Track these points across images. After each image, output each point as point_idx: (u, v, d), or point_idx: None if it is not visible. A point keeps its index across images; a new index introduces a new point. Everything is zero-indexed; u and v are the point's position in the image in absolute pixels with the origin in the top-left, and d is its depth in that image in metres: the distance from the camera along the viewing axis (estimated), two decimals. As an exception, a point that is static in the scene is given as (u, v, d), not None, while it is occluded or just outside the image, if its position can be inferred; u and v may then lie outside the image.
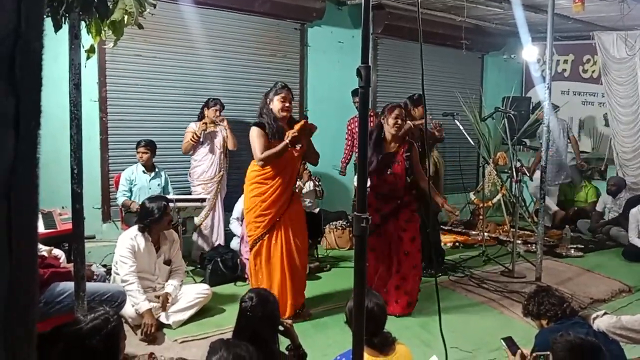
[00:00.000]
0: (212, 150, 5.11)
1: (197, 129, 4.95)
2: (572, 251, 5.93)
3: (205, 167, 5.10)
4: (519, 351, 2.74)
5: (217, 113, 5.02)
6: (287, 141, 3.57)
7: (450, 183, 7.91)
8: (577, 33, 7.30)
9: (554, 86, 5.44)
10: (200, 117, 5.08)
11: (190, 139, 4.93)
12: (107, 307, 2.14)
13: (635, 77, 6.87)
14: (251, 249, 3.85)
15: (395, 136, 4.02)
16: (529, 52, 6.25)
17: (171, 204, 4.03)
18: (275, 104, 3.73)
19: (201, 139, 4.98)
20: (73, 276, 2.40)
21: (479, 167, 7.80)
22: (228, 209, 5.39)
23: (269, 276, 3.81)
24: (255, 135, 3.69)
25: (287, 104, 3.74)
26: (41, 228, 3.83)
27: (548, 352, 2.35)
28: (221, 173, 5.17)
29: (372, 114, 5.44)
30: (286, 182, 3.75)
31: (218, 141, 5.14)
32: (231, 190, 5.51)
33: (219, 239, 5.20)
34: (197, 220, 5.05)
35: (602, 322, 2.49)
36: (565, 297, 3.05)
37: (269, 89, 3.87)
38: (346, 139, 6.05)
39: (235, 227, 5.18)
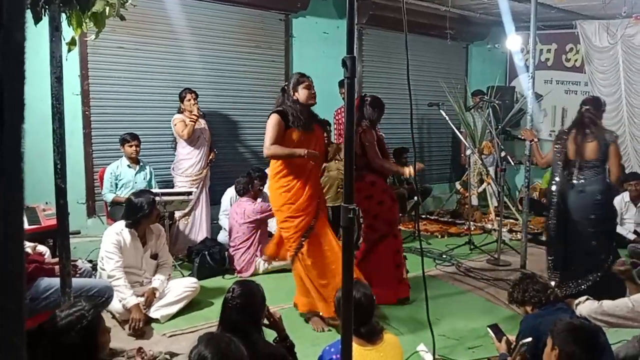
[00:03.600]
0: (199, 146, 5.07)
1: (190, 114, 4.91)
2: (556, 238, 6.02)
3: (192, 162, 5.06)
4: (505, 337, 2.79)
5: (193, 102, 4.96)
6: (304, 154, 3.45)
7: (437, 173, 7.98)
8: (560, 22, 7.36)
9: (538, 75, 5.48)
10: (180, 110, 5.04)
11: (190, 120, 4.89)
12: (89, 302, 2.12)
13: (617, 65, 6.96)
14: (297, 249, 3.62)
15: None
16: (513, 42, 6.29)
17: (157, 198, 4.00)
18: (302, 93, 3.56)
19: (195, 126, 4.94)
20: (58, 272, 2.38)
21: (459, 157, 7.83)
22: (213, 202, 5.39)
23: (324, 272, 3.59)
24: (272, 123, 3.52)
25: (313, 91, 3.62)
26: (25, 224, 3.77)
27: (530, 339, 2.40)
28: (207, 168, 5.15)
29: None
30: (309, 175, 3.63)
31: (204, 136, 5.10)
32: (217, 183, 5.50)
33: (200, 233, 5.15)
34: (178, 214, 5.02)
35: (584, 307, 2.54)
36: (548, 283, 3.10)
37: (287, 82, 3.74)
38: (335, 129, 6.05)
39: (223, 220, 5.17)
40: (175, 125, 5.00)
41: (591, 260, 3.96)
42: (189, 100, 4.96)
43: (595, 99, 4.29)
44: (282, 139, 3.51)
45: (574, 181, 4.00)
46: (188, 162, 5.06)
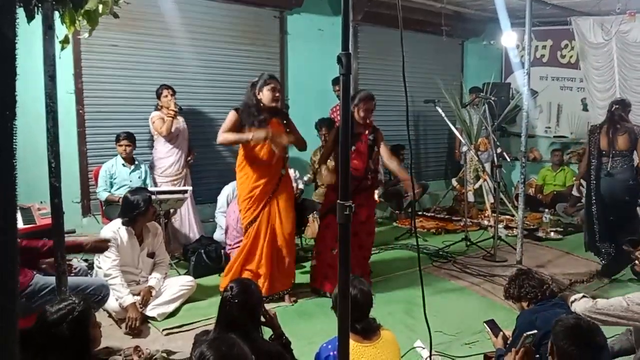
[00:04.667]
0: (179, 144, 5.01)
1: (168, 110, 4.82)
2: (552, 234, 6.05)
3: (172, 160, 4.98)
4: (501, 333, 2.80)
5: (170, 97, 4.87)
6: (249, 138, 3.75)
7: (433, 169, 8.00)
8: (555, 19, 7.37)
9: (533, 72, 5.50)
10: (157, 107, 4.96)
11: (167, 114, 4.81)
12: (78, 296, 2.16)
13: (612, 62, 6.97)
14: (245, 231, 3.99)
15: (361, 125, 4.17)
16: (508, 38, 6.29)
17: (152, 197, 3.99)
18: (266, 94, 3.84)
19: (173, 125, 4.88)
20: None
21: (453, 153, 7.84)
22: (203, 201, 5.38)
23: (258, 257, 3.95)
24: (228, 117, 3.88)
25: (277, 94, 3.87)
26: (20, 223, 3.76)
27: (535, 331, 2.40)
28: (186, 168, 5.08)
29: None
30: (268, 164, 3.89)
31: (183, 135, 5.05)
32: (208, 181, 5.49)
33: (192, 232, 5.12)
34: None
35: (579, 306, 2.54)
36: (544, 279, 3.12)
37: (256, 78, 3.94)
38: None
39: (220, 218, 5.16)
40: (153, 122, 4.91)
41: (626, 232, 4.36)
42: (166, 96, 4.88)
43: (623, 99, 4.97)
44: (232, 132, 3.84)
45: (607, 169, 4.65)
46: (167, 161, 4.97)
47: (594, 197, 4.74)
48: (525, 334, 2.38)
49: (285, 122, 4.03)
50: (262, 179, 3.89)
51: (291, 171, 5.65)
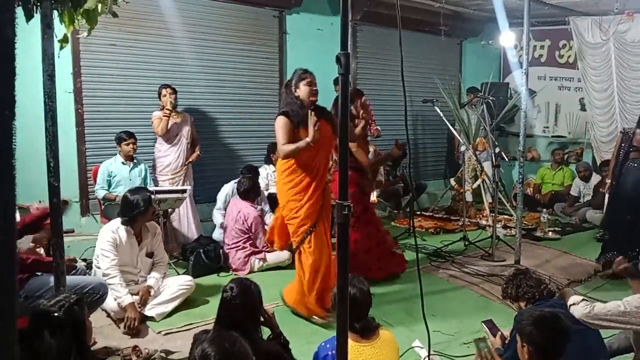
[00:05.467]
0: (177, 142, 5.00)
1: (164, 111, 4.83)
2: (550, 234, 6.06)
3: (171, 159, 4.97)
4: (499, 333, 2.81)
5: (168, 96, 4.85)
6: (310, 140, 3.44)
7: (432, 169, 8.00)
8: (553, 18, 7.38)
9: (531, 71, 5.51)
10: (161, 107, 4.95)
11: (163, 115, 4.80)
12: (70, 291, 2.23)
13: (609, 62, 6.98)
14: (299, 246, 3.69)
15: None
16: (507, 38, 6.30)
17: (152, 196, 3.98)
18: (304, 90, 3.60)
19: (169, 124, 4.87)
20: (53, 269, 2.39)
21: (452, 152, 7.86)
22: (202, 200, 5.37)
23: (315, 270, 3.66)
24: (279, 126, 3.55)
25: (315, 88, 3.63)
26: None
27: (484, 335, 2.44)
28: (186, 166, 5.08)
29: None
30: (316, 173, 3.64)
31: (183, 132, 5.04)
32: (208, 180, 5.49)
33: (190, 231, 5.12)
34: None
35: (577, 310, 2.53)
36: (542, 279, 3.12)
37: (290, 78, 3.75)
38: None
39: (217, 217, 5.15)
40: (152, 122, 4.93)
41: None
42: (165, 95, 4.88)
43: None
44: (293, 139, 3.54)
45: (636, 164, 4.87)
46: (166, 159, 4.98)
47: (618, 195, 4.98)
48: (475, 339, 2.41)
49: (332, 124, 3.66)
50: (312, 186, 3.59)
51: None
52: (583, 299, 2.72)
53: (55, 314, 1.98)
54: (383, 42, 6.87)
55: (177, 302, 3.82)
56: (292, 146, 3.51)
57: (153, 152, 5.14)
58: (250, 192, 4.85)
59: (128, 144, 4.72)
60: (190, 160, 5.13)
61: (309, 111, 3.57)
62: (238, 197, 4.92)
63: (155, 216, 4.18)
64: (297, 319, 3.73)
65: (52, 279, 2.48)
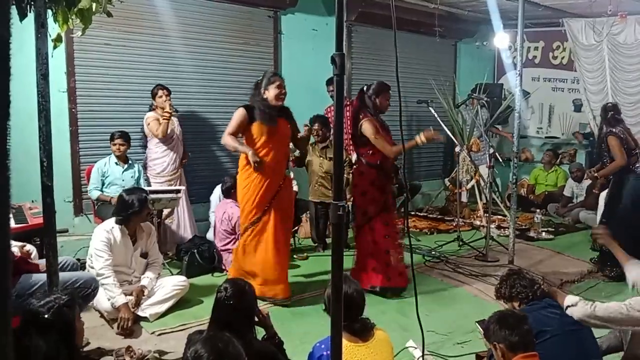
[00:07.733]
0: (174, 145, 4.96)
1: (163, 112, 4.78)
2: (543, 234, 6.09)
3: (167, 162, 4.93)
4: (493, 333, 2.81)
5: (165, 98, 4.81)
6: (250, 154, 3.72)
7: (426, 170, 8.02)
8: (547, 20, 7.42)
9: (525, 73, 5.53)
10: (152, 108, 4.91)
11: (163, 117, 4.75)
12: (63, 290, 2.22)
13: (603, 63, 7.02)
14: (243, 233, 3.97)
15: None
16: (501, 39, 6.33)
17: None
18: (272, 92, 3.82)
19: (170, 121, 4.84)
20: (42, 269, 2.38)
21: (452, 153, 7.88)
22: (196, 200, 5.36)
23: (255, 260, 3.93)
24: (235, 115, 3.87)
25: (283, 91, 3.85)
26: (11, 223, 3.73)
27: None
28: (181, 168, 5.05)
29: (347, 102, 5.44)
30: (273, 166, 3.87)
31: (178, 136, 5.01)
32: (203, 180, 5.47)
33: (185, 232, 5.09)
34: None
35: (577, 311, 2.53)
36: (536, 279, 3.13)
37: (260, 77, 3.95)
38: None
39: (212, 219, 5.14)
40: (148, 124, 4.85)
41: None
42: (161, 96, 4.83)
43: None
44: (244, 132, 3.86)
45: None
46: (163, 162, 4.93)
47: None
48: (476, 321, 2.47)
49: (291, 123, 4.02)
50: (265, 181, 3.84)
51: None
52: (580, 300, 2.72)
53: (45, 316, 1.97)
54: (378, 42, 6.88)
55: (171, 303, 3.81)
56: (233, 143, 3.82)
57: (144, 153, 5.10)
58: (232, 189, 4.82)
59: (115, 144, 4.67)
60: (185, 161, 5.13)
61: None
62: (224, 198, 4.89)
63: (149, 216, 4.16)
64: (292, 319, 3.73)
65: (44, 276, 2.46)
